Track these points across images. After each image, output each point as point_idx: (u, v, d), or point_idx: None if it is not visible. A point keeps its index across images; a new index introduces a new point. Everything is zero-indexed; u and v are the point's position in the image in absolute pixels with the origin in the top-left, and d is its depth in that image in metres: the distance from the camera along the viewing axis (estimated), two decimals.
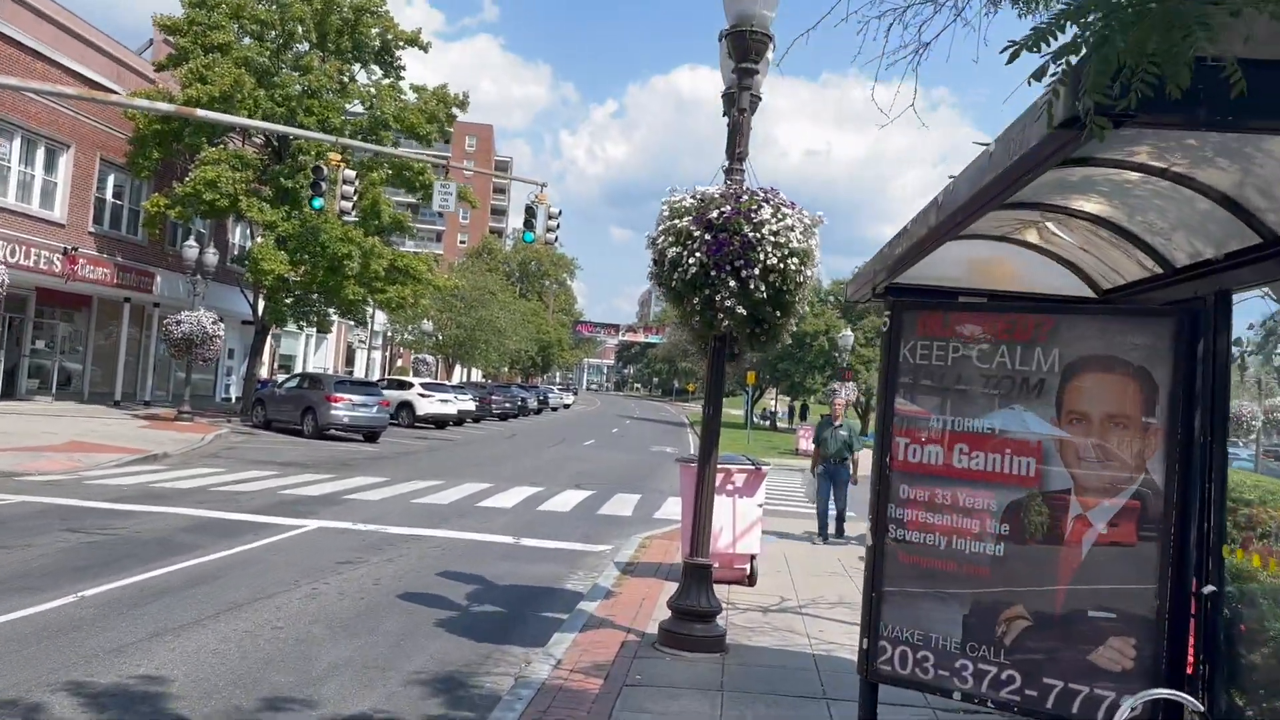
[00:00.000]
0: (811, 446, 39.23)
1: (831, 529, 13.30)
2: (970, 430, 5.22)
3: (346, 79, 31.90)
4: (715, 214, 6.42)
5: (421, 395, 36.37)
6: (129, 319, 31.73)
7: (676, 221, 6.56)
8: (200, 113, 21.82)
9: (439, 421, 36.97)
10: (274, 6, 30.11)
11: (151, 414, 27.84)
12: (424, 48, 32.99)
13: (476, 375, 73.73)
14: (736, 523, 9.45)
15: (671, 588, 8.88)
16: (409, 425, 35.48)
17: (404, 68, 33.40)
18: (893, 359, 5.37)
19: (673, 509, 16.69)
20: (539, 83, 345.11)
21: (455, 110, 33.90)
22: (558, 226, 28.43)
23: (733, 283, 6.38)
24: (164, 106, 21.44)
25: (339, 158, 23.64)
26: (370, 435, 27.77)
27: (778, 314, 6.60)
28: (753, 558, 9.69)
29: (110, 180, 29.68)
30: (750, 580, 9.70)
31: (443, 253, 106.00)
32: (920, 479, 5.30)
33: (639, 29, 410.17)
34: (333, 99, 30.35)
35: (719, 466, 8.76)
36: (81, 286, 28.21)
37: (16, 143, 25.29)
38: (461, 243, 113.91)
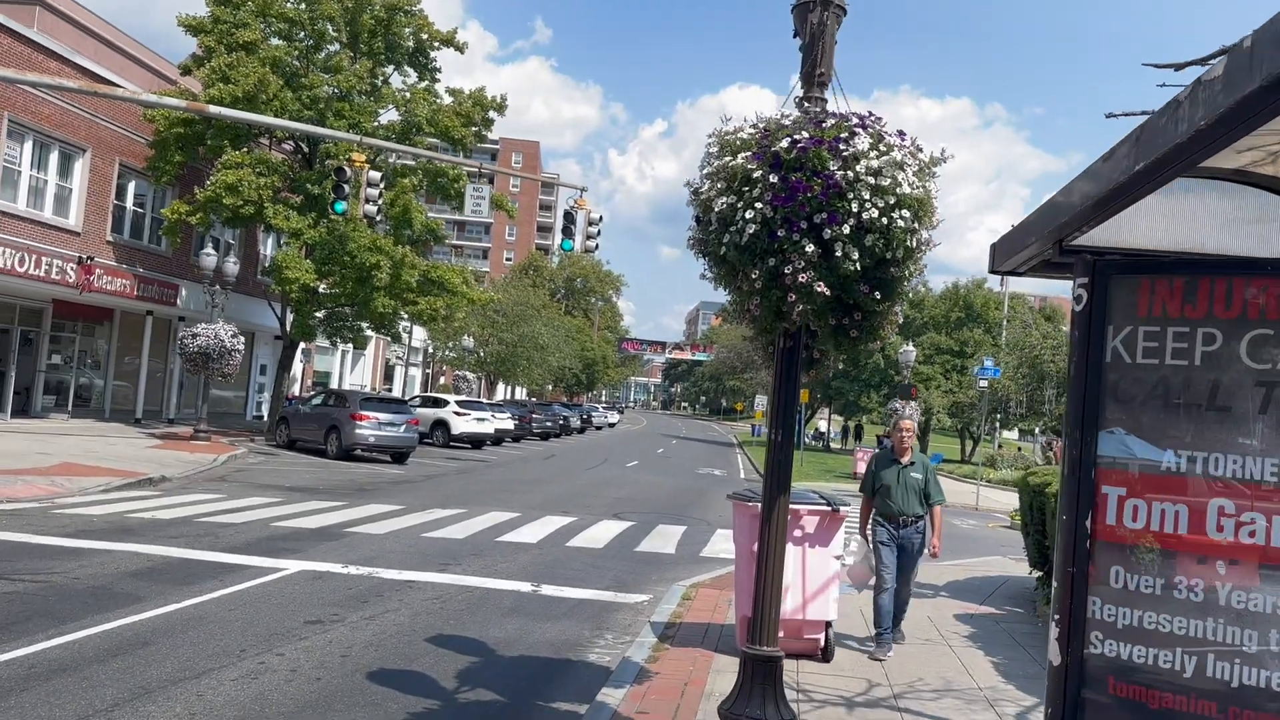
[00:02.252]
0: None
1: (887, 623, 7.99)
2: (1239, 478, 3.07)
3: (379, 81, 30.40)
4: (786, 144, 4.33)
5: (457, 414, 34.60)
6: (151, 333, 30.42)
7: (729, 159, 4.49)
8: (212, 109, 20.28)
9: (475, 441, 35.18)
10: (303, 4, 28.73)
11: (170, 433, 26.36)
12: (460, 48, 31.37)
13: (521, 393, 72.17)
14: (807, 581, 7.30)
15: (725, 664, 6.78)
16: (443, 445, 33.75)
17: (439, 70, 31.86)
18: (1094, 357, 3.25)
19: (722, 545, 14.56)
20: (589, 103, 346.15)
21: (493, 114, 32.17)
22: (598, 234, 26.54)
23: (810, 247, 4.30)
24: (172, 102, 19.91)
25: (363, 158, 21.95)
26: (398, 456, 25.99)
27: (877, 296, 4.49)
28: (828, 625, 7.52)
29: (131, 187, 28.41)
30: (825, 654, 7.53)
31: (489, 270, 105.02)
32: (1149, 557, 3.16)
33: (689, 49, 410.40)
34: (364, 102, 28.83)
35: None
36: (99, 298, 26.91)
37: (28, 145, 24.03)
38: (507, 260, 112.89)
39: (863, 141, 4.28)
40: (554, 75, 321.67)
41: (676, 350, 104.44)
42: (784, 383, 5.09)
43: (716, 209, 4.49)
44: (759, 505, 7.09)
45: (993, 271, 4.25)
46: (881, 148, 4.31)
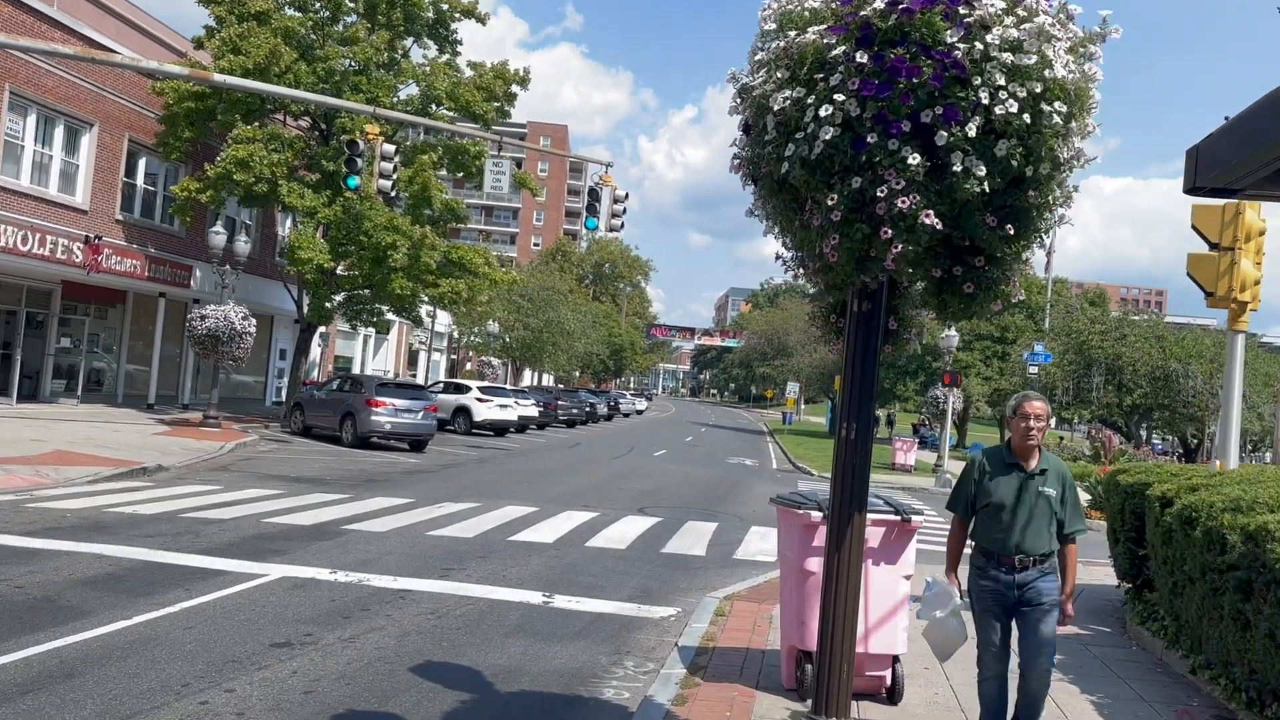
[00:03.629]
0: (909, 460, 34.53)
1: None
2: None
3: (399, 55, 29.20)
4: (880, 5, 2.97)
5: (479, 400, 33.47)
6: (165, 316, 29.46)
7: (796, 35, 3.13)
8: (216, 77, 19.17)
9: (498, 428, 34.05)
10: None
11: (181, 419, 25.39)
12: (482, 20, 30.07)
13: (548, 380, 71.15)
14: (870, 607, 5.96)
15: (767, 707, 5.48)
16: (465, 432, 32.66)
17: (460, 42, 30.59)
18: None
19: (757, 545, 13.26)
20: (619, 89, 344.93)
21: (516, 88, 30.81)
22: (624, 212, 25.23)
23: (915, 159, 2.97)
24: (173, 69, 18.83)
25: (377, 130, 20.75)
26: (416, 444, 24.86)
27: (1008, 231, 3.12)
28: (895, 660, 6.18)
29: (141, 165, 27.42)
30: (892, 695, 6.19)
31: (516, 255, 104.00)
32: None
33: (720, 32, 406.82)
34: (382, 76, 27.63)
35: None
36: (108, 279, 25.96)
37: (32, 119, 23.04)
38: (535, 245, 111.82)
39: (995, 1, 2.92)
40: (584, 61, 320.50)
41: (705, 336, 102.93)
42: (859, 359, 3.77)
43: (775, 109, 3.16)
44: (812, 514, 5.77)
45: (1190, 191, 2.88)
46: (1021, 11, 2.94)
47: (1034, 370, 33.24)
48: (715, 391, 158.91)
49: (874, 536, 5.99)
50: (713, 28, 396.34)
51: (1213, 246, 7.61)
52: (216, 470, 17.17)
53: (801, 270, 3.73)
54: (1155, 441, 50.10)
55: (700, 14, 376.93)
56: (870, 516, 6.00)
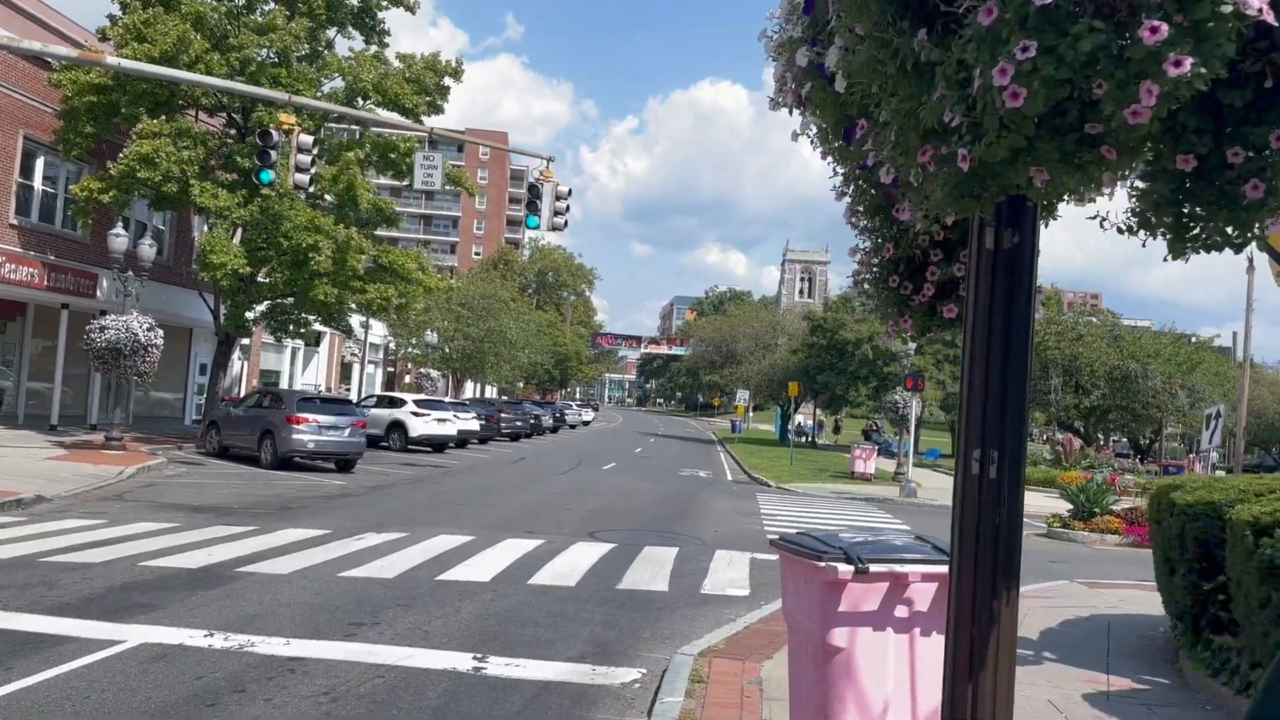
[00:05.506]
0: (868, 468, 33.50)
1: None
2: None
3: (322, 46, 27.22)
4: None
5: (415, 414, 31.42)
6: (68, 328, 26.99)
7: None
8: (110, 59, 17.17)
9: (437, 444, 32.03)
10: None
11: (84, 441, 23.03)
12: (410, 8, 28.19)
13: (491, 392, 69.03)
14: (918, 689, 4.35)
15: None
16: (401, 449, 30.60)
17: (388, 33, 28.67)
18: None
19: (725, 575, 11.65)
20: (560, 99, 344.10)
21: (449, 80, 28.98)
22: (566, 209, 23.62)
23: None
24: (61, 51, 16.84)
25: (293, 120, 18.82)
26: (343, 464, 22.82)
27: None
28: None
29: (39, 164, 25.07)
30: None
31: (457, 264, 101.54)
32: None
33: (659, 43, 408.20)
34: (304, 69, 25.61)
35: (877, 568, 3.90)
36: (4, 289, 23.57)
37: None
38: (476, 254, 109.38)
39: None
40: (525, 72, 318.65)
41: (652, 345, 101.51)
42: (1000, 331, 2.14)
43: None
44: (839, 567, 4.14)
45: None
46: None
47: None
48: (662, 400, 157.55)
49: (921, 595, 4.38)
50: (652, 36, 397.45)
51: None
52: (108, 500, 15.08)
53: (876, 189, 2.15)
54: (1115, 442, 49.66)
55: (639, 24, 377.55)
56: (914, 566, 4.40)
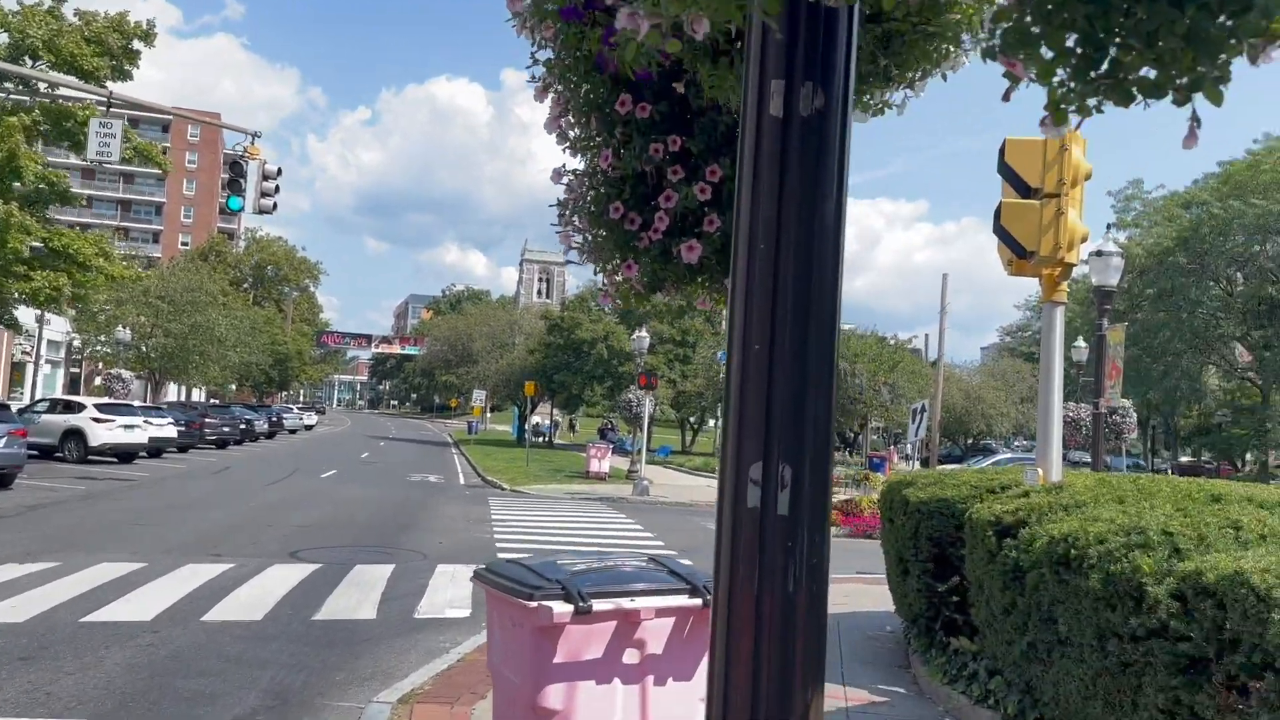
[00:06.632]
0: (603, 467, 33.36)
1: None
2: None
3: None
4: None
5: (97, 420, 27.45)
6: None
7: None
8: None
9: (124, 454, 28.19)
10: None
11: None
12: None
13: (200, 395, 63.12)
14: None
15: None
16: (79, 460, 26.63)
17: None
18: None
19: (446, 595, 10.50)
20: (285, 85, 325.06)
21: (138, 44, 25.68)
22: (276, 190, 21.48)
23: None
24: None
25: None
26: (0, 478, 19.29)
27: None
28: None
29: None
30: None
31: (161, 255, 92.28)
32: None
33: (393, 37, 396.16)
34: None
35: (602, 605, 3.01)
36: None
37: None
38: (184, 245, 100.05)
39: None
40: (246, 54, 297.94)
41: (384, 344, 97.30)
42: (789, 254, 1.19)
43: None
44: (554, 607, 3.20)
45: None
46: None
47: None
48: (396, 402, 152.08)
49: (656, 633, 3.50)
50: (384, 29, 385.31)
51: (1028, 194, 6.04)
52: None
53: None
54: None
55: (370, 14, 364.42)
56: (647, 600, 3.53)
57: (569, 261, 2.39)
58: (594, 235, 2.15)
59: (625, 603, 3.45)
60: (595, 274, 2.30)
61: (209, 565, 11.41)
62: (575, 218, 2.20)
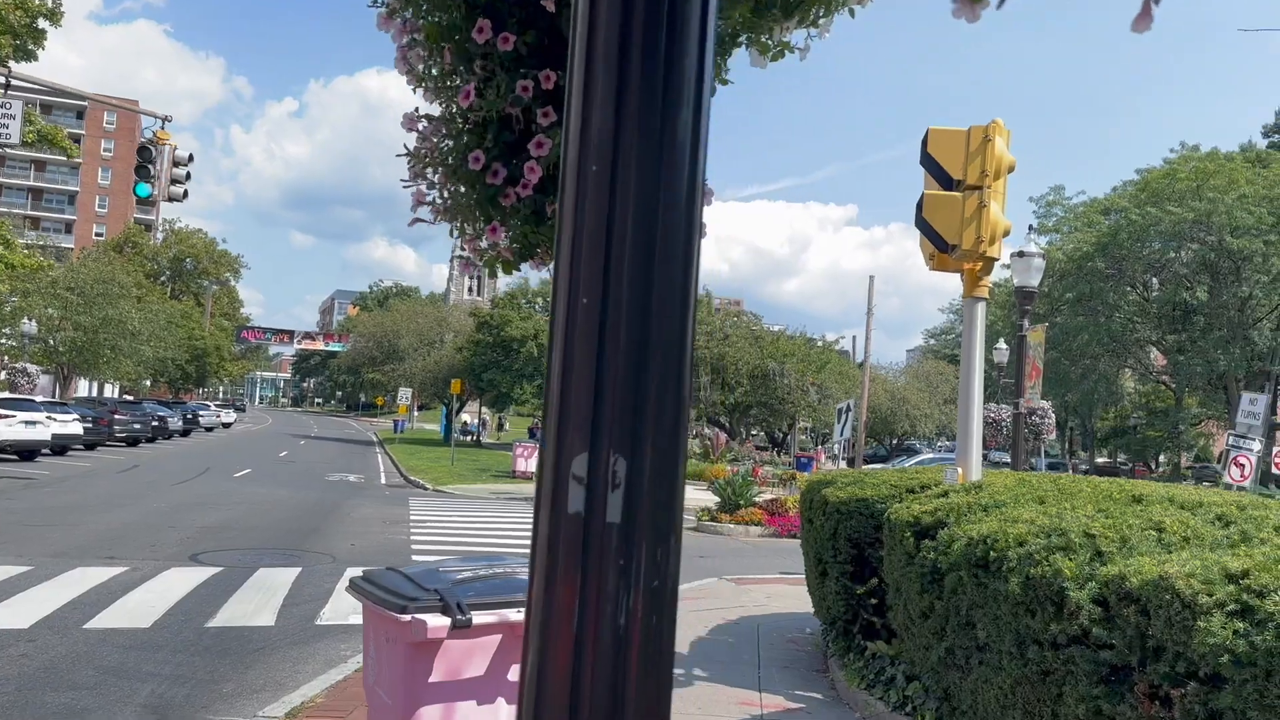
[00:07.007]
0: (530, 466, 33.13)
1: None
2: None
3: None
4: None
5: None
6: None
7: None
8: None
9: (24, 451, 26.91)
10: None
11: None
12: None
13: (112, 391, 60.80)
14: None
15: None
16: None
17: None
18: None
19: (351, 601, 9.92)
20: (209, 74, 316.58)
21: (44, 23, 24.53)
22: (187, 177, 20.68)
23: None
24: None
25: None
26: None
27: None
28: None
29: None
30: None
31: (74, 246, 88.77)
32: None
33: (321, 28, 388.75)
34: None
35: (484, 617, 2.70)
36: None
37: None
38: (99, 236, 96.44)
39: None
40: (168, 41, 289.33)
41: (307, 340, 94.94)
42: (632, 173, 0.89)
43: None
44: (429, 621, 2.87)
45: None
46: None
47: None
48: (321, 400, 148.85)
49: (477, 655, 3.19)
50: (312, 20, 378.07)
51: (950, 185, 5.88)
52: None
53: None
54: (753, 436, 53.03)
55: (298, 4, 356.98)
56: (483, 619, 3.21)
57: (418, 220, 2.07)
58: (451, 191, 1.83)
59: (511, 614, 3.14)
60: (452, 235, 1.99)
61: (100, 569, 10.76)
62: (429, 171, 1.88)
